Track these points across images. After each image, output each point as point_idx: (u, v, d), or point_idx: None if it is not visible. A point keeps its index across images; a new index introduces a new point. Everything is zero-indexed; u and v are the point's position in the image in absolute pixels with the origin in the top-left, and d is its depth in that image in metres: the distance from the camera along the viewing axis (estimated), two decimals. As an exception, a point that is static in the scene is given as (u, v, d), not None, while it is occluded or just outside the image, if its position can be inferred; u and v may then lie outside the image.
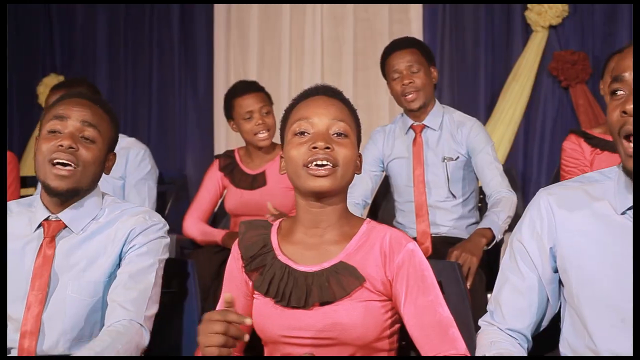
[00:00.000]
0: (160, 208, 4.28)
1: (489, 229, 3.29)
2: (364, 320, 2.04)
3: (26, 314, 2.26)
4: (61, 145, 2.26)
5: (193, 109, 5.80)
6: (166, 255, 2.38)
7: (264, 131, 3.91)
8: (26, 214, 2.38)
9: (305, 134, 2.08)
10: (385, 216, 3.99)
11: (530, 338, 2.05)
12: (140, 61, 5.92)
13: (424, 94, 3.60)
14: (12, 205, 2.43)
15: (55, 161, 2.26)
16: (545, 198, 2.01)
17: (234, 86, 4.10)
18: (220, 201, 4.21)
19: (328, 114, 2.09)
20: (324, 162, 2.03)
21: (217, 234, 3.92)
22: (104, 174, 2.41)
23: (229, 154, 4.12)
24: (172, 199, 4.54)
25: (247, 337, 1.86)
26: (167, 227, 2.41)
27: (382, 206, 4.11)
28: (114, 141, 2.44)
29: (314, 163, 2.03)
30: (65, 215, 2.33)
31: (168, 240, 2.40)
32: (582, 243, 1.93)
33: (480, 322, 2.11)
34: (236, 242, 2.21)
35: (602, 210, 1.92)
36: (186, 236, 4.05)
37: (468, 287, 3.08)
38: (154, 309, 2.28)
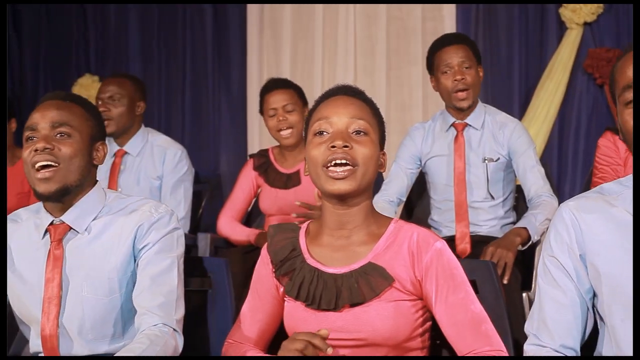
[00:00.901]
0: (194, 207, 4.29)
1: (525, 228, 3.27)
2: (394, 321, 2.03)
3: (44, 318, 2.27)
4: (36, 150, 2.25)
5: (226, 108, 5.81)
6: (182, 248, 2.36)
7: (286, 128, 3.92)
8: (34, 221, 2.38)
9: (324, 133, 2.08)
10: (420, 214, 3.97)
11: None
12: (173, 61, 5.95)
13: (473, 93, 3.57)
14: (21, 212, 2.44)
15: (36, 165, 2.25)
16: (566, 209, 1.94)
17: (265, 83, 4.12)
18: (254, 200, 4.21)
19: (347, 113, 2.08)
20: (343, 161, 2.03)
21: (250, 234, 3.93)
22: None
23: (263, 153, 4.13)
24: (206, 198, 4.55)
25: None
26: (175, 215, 2.37)
27: (417, 204, 4.08)
28: (97, 130, 2.39)
29: (333, 162, 2.03)
30: (68, 216, 2.32)
31: (181, 230, 2.37)
32: (607, 249, 1.88)
33: (527, 346, 2.01)
34: (265, 246, 2.22)
35: (622, 217, 1.88)
36: (220, 235, 4.06)
37: (505, 281, 3.07)
38: (182, 310, 2.27)
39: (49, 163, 2.25)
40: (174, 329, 2.22)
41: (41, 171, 2.24)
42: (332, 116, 2.08)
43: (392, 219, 2.16)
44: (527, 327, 2.00)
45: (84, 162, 2.31)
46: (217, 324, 2.50)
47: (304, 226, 2.21)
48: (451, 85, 3.56)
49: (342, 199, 2.07)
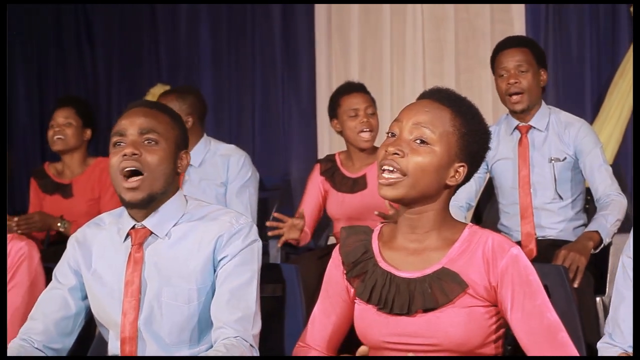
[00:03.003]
0: (263, 214, 4.32)
1: (597, 232, 3.23)
2: (467, 327, 2.01)
3: (123, 320, 2.31)
4: (125, 155, 2.28)
5: (296, 115, 5.84)
6: (260, 262, 2.36)
7: (367, 130, 3.92)
8: (116, 225, 2.42)
9: (391, 134, 2.07)
10: (490, 219, 3.94)
11: None
12: (243, 68, 5.99)
13: (528, 97, 3.54)
14: (105, 217, 2.48)
15: (124, 170, 2.28)
16: None
17: (342, 85, 4.14)
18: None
19: (414, 118, 2.04)
20: (390, 168, 2.01)
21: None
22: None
23: (330, 158, 4.14)
24: (276, 204, 4.58)
25: None
26: (255, 227, 2.37)
27: (486, 209, 4.06)
28: (181, 139, 2.43)
29: (382, 167, 2.02)
30: (149, 221, 2.35)
31: (260, 243, 2.37)
32: None
33: (600, 344, 2.01)
34: (336, 248, 2.21)
35: None
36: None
37: (576, 286, 3.04)
38: (259, 326, 2.28)
39: (136, 169, 2.28)
40: (251, 345, 2.22)
41: (128, 180, 2.28)
42: (403, 119, 2.06)
43: (466, 224, 2.13)
44: (605, 327, 2.01)
45: (169, 170, 2.35)
46: (289, 330, 2.51)
47: (377, 229, 2.19)
48: (505, 88, 3.56)
49: (401, 203, 2.06)
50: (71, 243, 2.45)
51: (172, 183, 2.38)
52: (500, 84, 3.58)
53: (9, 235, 2.69)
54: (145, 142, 2.31)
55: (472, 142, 2.08)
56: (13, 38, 6.31)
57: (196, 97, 4.30)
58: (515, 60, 3.54)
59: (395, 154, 2.00)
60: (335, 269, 2.22)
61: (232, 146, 4.27)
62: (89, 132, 4.56)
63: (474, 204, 3.75)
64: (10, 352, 2.33)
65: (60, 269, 2.44)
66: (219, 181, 4.11)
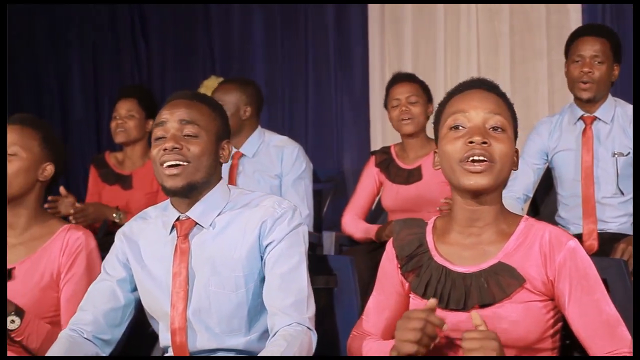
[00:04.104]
0: (317, 206, 4.32)
1: None
2: (525, 322, 1.99)
3: (172, 311, 2.32)
4: (165, 149, 2.30)
5: (349, 107, 5.83)
6: (307, 244, 2.36)
7: (406, 118, 3.94)
8: (161, 218, 2.44)
9: (461, 127, 2.04)
10: (547, 211, 3.89)
11: None
12: (295, 61, 5.99)
13: (597, 88, 3.50)
14: (150, 211, 2.50)
15: (165, 164, 2.30)
16: None
17: (392, 76, 4.19)
18: (378, 197, 4.22)
19: (485, 107, 2.04)
20: (481, 158, 1.99)
21: (370, 230, 3.94)
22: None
23: (385, 150, 4.15)
24: (330, 196, 4.58)
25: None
26: (298, 210, 2.38)
27: (543, 200, 4.00)
28: (223, 129, 2.43)
29: (470, 159, 1.99)
30: (194, 212, 2.36)
31: (305, 226, 2.38)
32: None
33: None
34: (390, 241, 2.20)
35: None
36: (344, 233, 4.08)
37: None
38: (313, 307, 2.28)
39: (178, 162, 2.29)
40: (308, 327, 2.23)
41: (169, 168, 2.29)
42: (470, 110, 2.04)
43: (522, 216, 2.11)
44: None
45: (210, 160, 2.36)
46: (343, 322, 2.51)
47: (430, 222, 2.18)
48: (577, 75, 3.52)
49: (476, 195, 2.03)
50: (119, 237, 2.48)
51: (214, 173, 2.39)
52: (573, 70, 3.54)
53: (65, 226, 2.73)
54: (186, 135, 2.33)
55: (516, 127, 2.12)
56: (69, 33, 6.39)
57: (255, 89, 4.33)
58: (594, 49, 3.51)
59: (484, 142, 2.00)
60: (389, 262, 2.21)
61: (286, 138, 4.29)
62: (151, 124, 4.56)
63: (531, 195, 3.70)
64: (59, 341, 2.36)
65: (109, 262, 2.47)
66: (272, 173, 4.12)
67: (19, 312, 2.48)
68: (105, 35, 6.38)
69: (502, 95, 2.11)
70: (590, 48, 3.50)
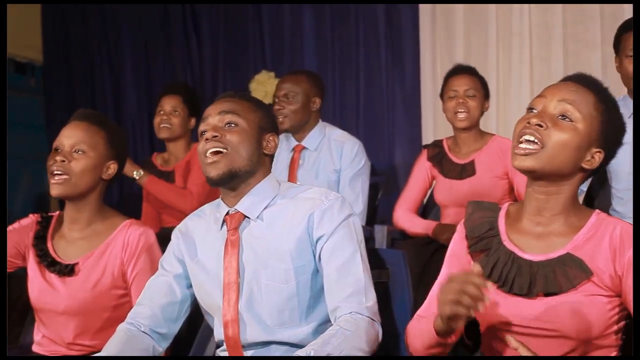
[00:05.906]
0: (370, 199, 4.32)
1: None
2: (588, 316, 1.97)
3: (225, 304, 2.35)
4: (207, 139, 2.34)
5: (400, 102, 5.80)
6: (361, 233, 2.37)
7: (462, 111, 3.90)
8: (214, 214, 2.47)
9: (533, 110, 2.05)
10: (602, 205, 3.84)
11: None
12: (346, 55, 5.98)
13: None
14: (206, 208, 2.54)
15: (207, 152, 2.34)
16: None
17: (452, 67, 4.16)
18: (430, 191, 4.20)
19: (561, 95, 2.04)
20: (530, 138, 1.99)
21: (428, 226, 3.92)
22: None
23: (438, 144, 4.12)
24: (382, 190, 4.58)
25: (487, 300, 1.86)
26: (346, 201, 2.38)
27: (598, 194, 3.95)
28: (266, 121, 2.46)
29: (522, 137, 2.00)
30: (241, 205, 2.39)
31: (355, 216, 2.38)
32: None
33: None
34: (461, 222, 2.21)
35: None
36: (396, 227, 4.07)
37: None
38: (373, 296, 2.28)
39: (218, 149, 2.33)
40: (370, 317, 2.22)
41: (209, 155, 2.33)
42: (548, 95, 2.06)
43: (593, 211, 2.10)
44: None
45: (252, 149, 2.38)
46: (395, 316, 2.51)
47: (504, 207, 2.19)
48: (629, 70, 3.46)
49: (532, 178, 2.04)
50: (175, 234, 2.53)
51: (258, 163, 2.41)
52: (627, 65, 3.49)
53: (127, 222, 2.78)
54: (226, 125, 2.37)
55: (612, 131, 2.08)
56: (121, 29, 6.44)
57: (322, 82, 4.38)
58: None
59: (539, 125, 2.00)
60: (459, 242, 2.22)
61: (346, 133, 4.30)
62: (193, 121, 4.61)
63: (585, 188, 3.66)
64: (117, 334, 2.41)
65: (166, 258, 2.52)
66: (331, 167, 4.13)
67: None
68: (157, 33, 6.43)
69: (597, 92, 2.08)
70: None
